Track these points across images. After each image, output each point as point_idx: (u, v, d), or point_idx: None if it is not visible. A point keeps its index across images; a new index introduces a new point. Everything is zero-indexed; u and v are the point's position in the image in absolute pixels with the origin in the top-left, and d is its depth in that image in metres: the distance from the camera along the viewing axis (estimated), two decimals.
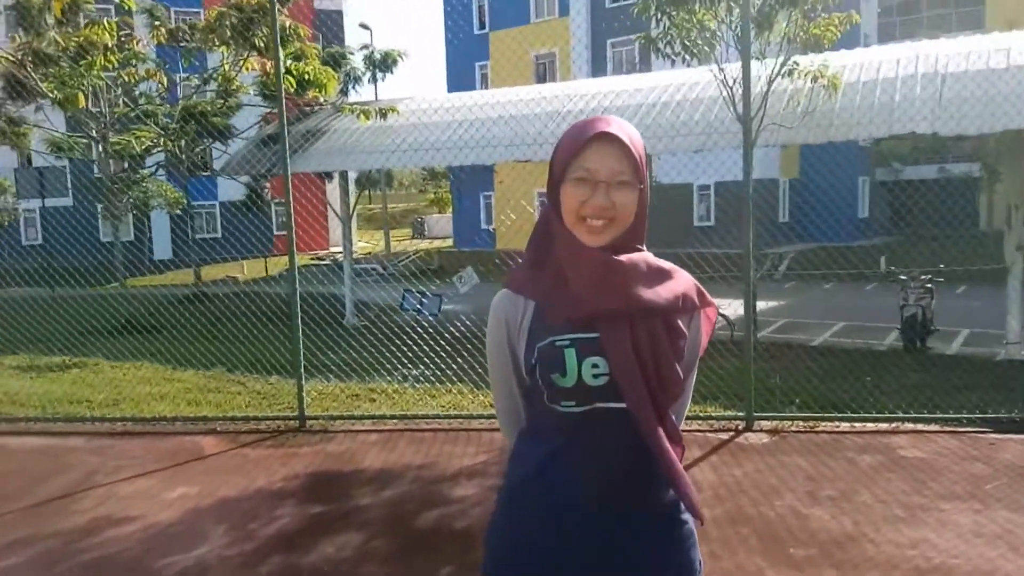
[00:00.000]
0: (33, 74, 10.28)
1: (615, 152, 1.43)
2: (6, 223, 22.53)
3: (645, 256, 1.48)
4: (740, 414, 5.39)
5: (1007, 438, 4.93)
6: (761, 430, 5.23)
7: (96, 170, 17.30)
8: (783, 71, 7.90)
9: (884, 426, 5.24)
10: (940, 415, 5.39)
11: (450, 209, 35.98)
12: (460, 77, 30.14)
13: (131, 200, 19.73)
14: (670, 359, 1.44)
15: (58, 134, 14.15)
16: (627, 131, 1.46)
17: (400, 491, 4.36)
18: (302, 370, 5.66)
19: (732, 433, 5.20)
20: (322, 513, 4.07)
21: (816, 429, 5.25)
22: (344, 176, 13.48)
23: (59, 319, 9.51)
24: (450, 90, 29.29)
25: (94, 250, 18.82)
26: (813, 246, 18.77)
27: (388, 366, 7.13)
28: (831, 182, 22.43)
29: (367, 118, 11.07)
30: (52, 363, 8.81)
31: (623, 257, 1.44)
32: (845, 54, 10.09)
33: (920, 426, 5.23)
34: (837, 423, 5.35)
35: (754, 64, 6.34)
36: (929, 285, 9.39)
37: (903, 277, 9.61)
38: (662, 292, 1.46)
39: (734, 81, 7.12)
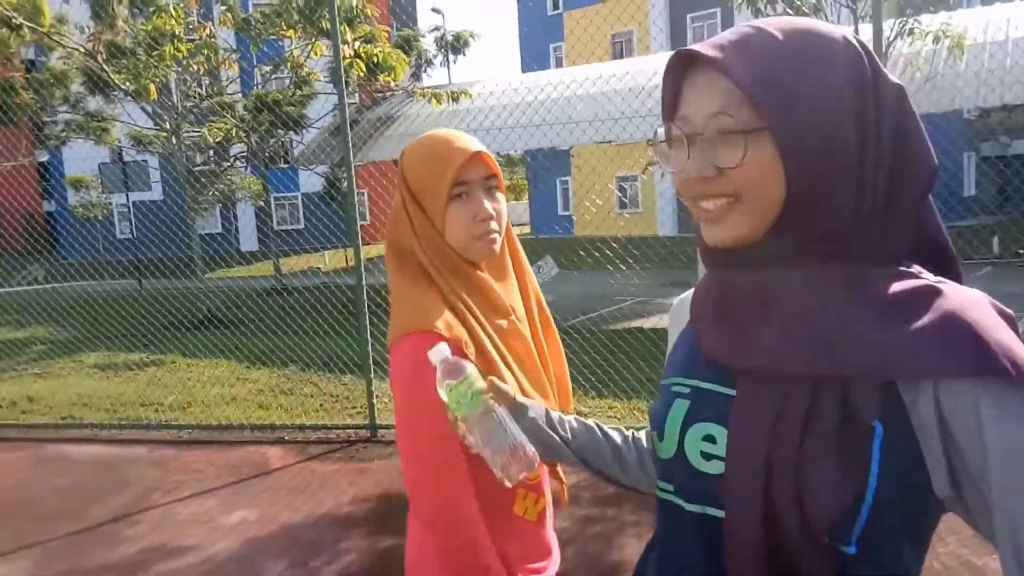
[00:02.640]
0: (106, 66, 10.25)
1: (709, 80, 0.79)
2: (99, 217, 23.27)
3: (847, 269, 0.79)
4: None
5: None
6: None
7: (174, 163, 17.50)
8: (903, 31, 6.99)
9: None
10: None
11: (526, 195, 35.43)
12: (534, 59, 29.48)
13: (216, 193, 20.00)
14: (830, 475, 0.75)
15: (136, 127, 14.29)
16: (748, 36, 0.79)
17: None
18: (371, 374, 5.21)
19: None
20: (392, 549, 3.58)
21: None
22: None
23: (143, 313, 9.46)
24: (524, 72, 28.69)
25: (183, 243, 19.19)
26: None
27: None
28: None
29: (439, 102, 10.60)
30: (130, 361, 8.71)
31: (792, 275, 0.80)
32: (969, 12, 8.98)
33: None
34: None
35: (864, 26, 5.52)
36: None
37: None
38: (860, 342, 0.76)
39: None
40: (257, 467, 4.80)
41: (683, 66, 0.83)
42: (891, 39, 6.85)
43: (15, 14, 9.92)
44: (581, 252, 8.22)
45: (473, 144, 1.31)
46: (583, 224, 21.09)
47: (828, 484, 0.74)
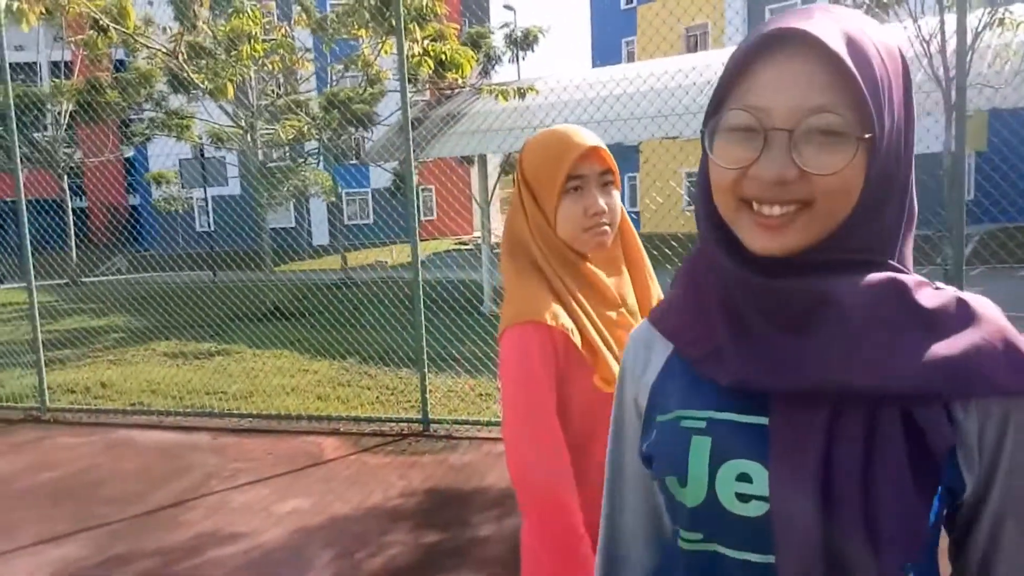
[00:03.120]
0: (186, 66, 10.61)
1: (807, 69, 0.71)
2: (180, 211, 24.23)
3: (890, 279, 0.74)
4: None
5: None
6: None
7: (248, 158, 18.07)
8: (992, 21, 6.61)
9: None
10: None
11: None
12: (605, 54, 29.20)
13: (290, 188, 20.55)
14: (907, 503, 0.69)
15: (215, 125, 14.80)
16: (843, 26, 0.72)
17: None
18: (425, 368, 5.22)
19: None
20: (436, 545, 3.57)
21: None
22: (482, 159, 13.13)
23: (214, 304, 9.77)
24: (595, 67, 28.46)
25: (257, 237, 19.78)
26: (1007, 226, 16.42)
27: None
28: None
29: (505, 98, 10.57)
30: (199, 350, 9.01)
31: (838, 282, 0.73)
32: None
33: None
34: None
35: (950, 16, 5.23)
36: None
37: None
38: (920, 356, 0.71)
39: (930, 36, 5.98)
40: (312, 457, 4.88)
41: (760, 48, 0.73)
42: (979, 30, 6.48)
43: (103, 16, 10.36)
44: (645, 249, 8.07)
45: (590, 139, 1.34)
46: (649, 220, 20.81)
47: (905, 513, 0.69)
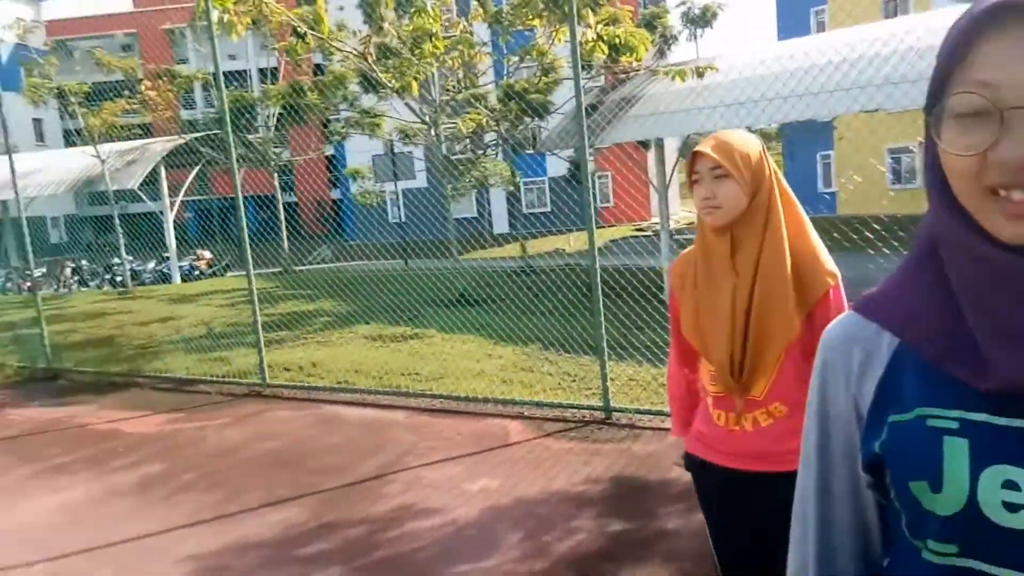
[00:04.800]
0: (374, 66, 11.31)
1: None
2: (374, 204, 25.96)
3: None
4: None
5: None
6: None
7: (432, 152, 18.98)
8: None
9: None
10: None
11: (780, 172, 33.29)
12: (792, 26, 27.43)
13: (471, 179, 21.34)
14: None
15: (403, 121, 15.63)
16: None
17: None
18: (605, 356, 5.23)
19: None
20: (622, 533, 3.58)
21: None
22: (659, 143, 12.85)
23: (407, 290, 10.41)
24: (780, 40, 26.85)
25: (443, 227, 20.78)
26: None
27: None
28: None
29: (682, 79, 10.27)
30: (396, 333, 9.62)
31: None
32: None
33: None
34: None
35: None
36: None
37: None
38: None
39: None
40: (498, 439, 5.07)
41: (987, 19, 0.67)
42: None
43: (300, 24, 11.25)
44: (839, 233, 7.54)
45: (702, 146, 1.80)
46: (847, 201, 19.32)
47: None
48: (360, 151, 21.90)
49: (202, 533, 3.89)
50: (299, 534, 3.79)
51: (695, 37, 18.76)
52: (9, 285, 19.87)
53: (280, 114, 19.09)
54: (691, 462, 2.00)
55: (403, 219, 21.92)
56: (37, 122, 35.42)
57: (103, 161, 17.61)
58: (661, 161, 12.66)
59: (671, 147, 14.48)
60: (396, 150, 19.21)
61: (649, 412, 5.24)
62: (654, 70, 11.91)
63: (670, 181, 12.82)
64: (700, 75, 10.34)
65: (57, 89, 17.02)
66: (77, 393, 7.39)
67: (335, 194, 34.67)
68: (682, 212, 29.59)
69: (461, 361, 7.67)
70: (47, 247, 22.44)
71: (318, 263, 20.74)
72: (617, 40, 9.30)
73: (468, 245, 22.33)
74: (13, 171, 8.07)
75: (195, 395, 6.87)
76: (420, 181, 24.39)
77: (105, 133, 17.46)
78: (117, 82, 17.96)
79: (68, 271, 20.16)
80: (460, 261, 16.66)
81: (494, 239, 25.66)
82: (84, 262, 21.19)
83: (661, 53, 14.89)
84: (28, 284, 18.03)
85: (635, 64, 11.18)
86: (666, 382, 2.22)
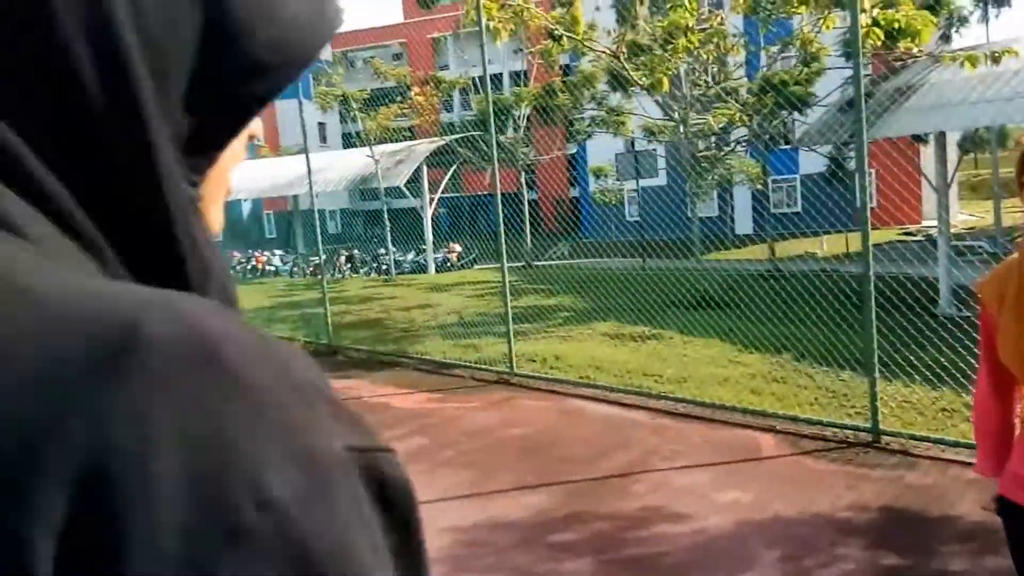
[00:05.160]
0: (626, 64, 11.30)
1: None
2: (613, 202, 26.12)
3: None
4: None
5: None
6: None
7: (680, 150, 18.60)
8: None
9: None
10: None
11: None
12: None
13: (715, 177, 20.67)
14: None
15: (649, 119, 15.52)
16: None
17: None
18: (876, 373, 4.75)
19: None
20: (896, 568, 3.22)
21: None
22: (940, 138, 11.45)
23: (645, 290, 10.32)
24: None
25: (683, 226, 20.38)
26: None
27: None
28: None
29: (973, 65, 9.05)
30: (634, 333, 9.57)
31: None
32: None
33: None
34: None
35: None
36: None
37: None
38: None
39: None
40: (749, 451, 4.82)
41: None
42: None
43: (557, 26, 11.56)
44: None
45: None
46: None
47: None
48: (603, 149, 22.09)
49: (461, 507, 4.13)
50: (549, 520, 3.89)
51: (987, 18, 16.53)
52: (296, 270, 22.77)
53: (529, 115, 19.86)
54: (1004, 506, 1.73)
55: (640, 218, 21.76)
56: (321, 126, 40.19)
57: (377, 161, 19.53)
58: (943, 158, 11.27)
59: (951, 142, 12.86)
60: (637, 147, 19.13)
61: (927, 439, 4.67)
62: (936, 56, 10.64)
63: (952, 180, 11.38)
64: (996, 61, 9.06)
65: (342, 96, 19.17)
66: (352, 368, 8.25)
67: (574, 192, 35.40)
68: (961, 216, 26.23)
69: (704, 366, 7.42)
70: (327, 237, 25.45)
71: (556, 259, 21.30)
72: (897, 24, 8.42)
73: (709, 246, 21.65)
74: (309, 170, 9.21)
75: (450, 378, 7.36)
76: (660, 179, 24.08)
77: (379, 135, 19.35)
78: (390, 88, 19.84)
79: (343, 259, 22.66)
80: (702, 262, 16.19)
81: (736, 239, 24.58)
82: (356, 251, 23.69)
83: (945, 37, 13.27)
84: (311, 269, 20.59)
85: (916, 49, 10.07)
86: (973, 413, 1.98)
